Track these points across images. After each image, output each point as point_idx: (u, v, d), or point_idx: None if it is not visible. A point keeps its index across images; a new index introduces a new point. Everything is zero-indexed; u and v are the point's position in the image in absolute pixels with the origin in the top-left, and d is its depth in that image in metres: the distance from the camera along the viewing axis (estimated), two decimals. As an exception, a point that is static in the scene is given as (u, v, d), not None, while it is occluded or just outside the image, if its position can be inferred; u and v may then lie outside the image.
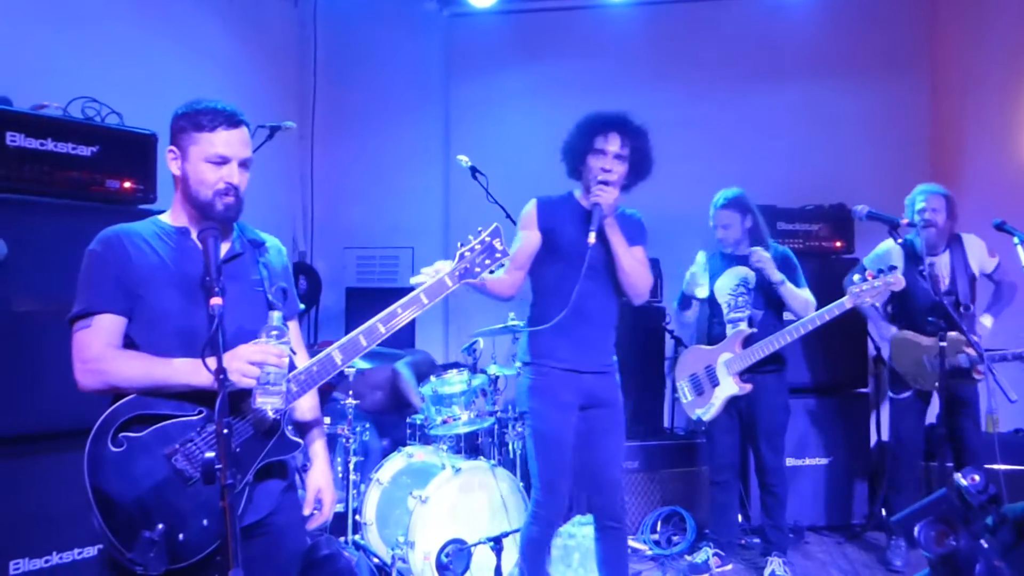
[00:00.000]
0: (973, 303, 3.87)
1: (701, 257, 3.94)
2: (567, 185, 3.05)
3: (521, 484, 3.62)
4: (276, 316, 1.81)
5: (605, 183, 2.78)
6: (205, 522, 1.77)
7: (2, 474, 2.53)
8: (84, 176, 2.85)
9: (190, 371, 1.76)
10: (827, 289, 3.87)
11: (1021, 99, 4.57)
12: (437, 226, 5.82)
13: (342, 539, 3.59)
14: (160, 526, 1.71)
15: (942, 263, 3.87)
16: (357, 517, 3.70)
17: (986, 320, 3.82)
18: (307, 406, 2.12)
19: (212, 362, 1.66)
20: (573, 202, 2.98)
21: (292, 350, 1.86)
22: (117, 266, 1.85)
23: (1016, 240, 3.32)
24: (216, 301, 1.71)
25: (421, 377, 4.10)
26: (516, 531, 3.25)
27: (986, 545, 1.73)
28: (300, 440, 1.97)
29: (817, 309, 3.64)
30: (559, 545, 3.69)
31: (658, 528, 4.28)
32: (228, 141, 1.89)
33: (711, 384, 3.82)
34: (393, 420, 4.52)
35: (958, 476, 1.80)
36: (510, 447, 4.01)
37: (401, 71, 5.86)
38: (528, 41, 5.73)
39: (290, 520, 2.01)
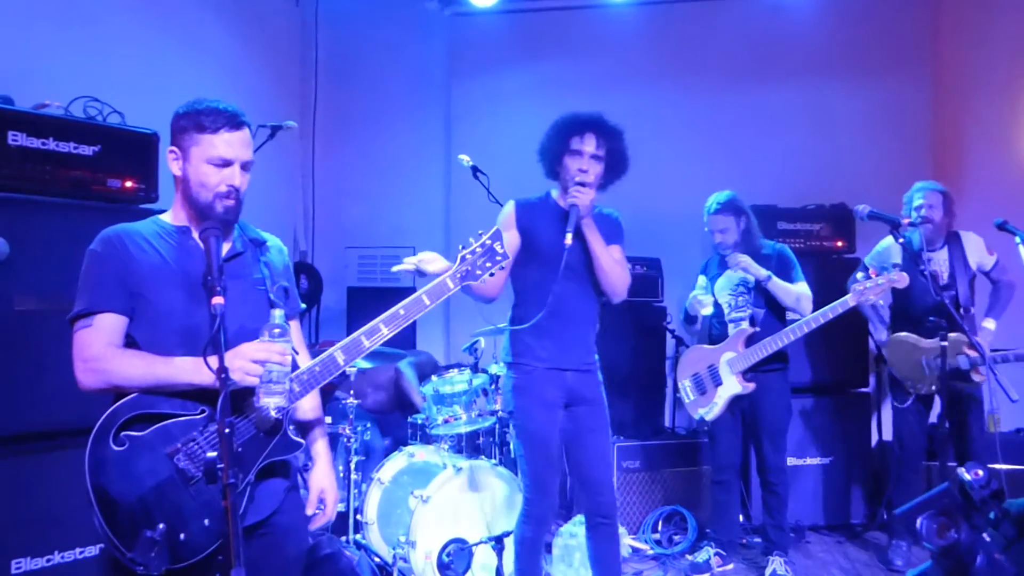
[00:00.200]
0: (973, 304, 3.87)
1: (702, 280, 3.96)
2: None
3: (521, 484, 3.62)
4: (278, 314, 1.81)
5: (582, 184, 2.80)
6: (207, 522, 1.76)
7: (3, 473, 2.53)
8: (86, 175, 2.84)
9: (192, 370, 1.75)
10: (828, 289, 3.88)
11: (1023, 99, 4.56)
12: (438, 225, 5.82)
13: (343, 538, 3.60)
14: (161, 526, 1.71)
15: (940, 258, 3.87)
16: (358, 516, 3.70)
17: (989, 324, 3.81)
18: (309, 406, 2.12)
19: (214, 361, 1.65)
20: (551, 203, 3.01)
21: (294, 349, 1.86)
22: (118, 265, 1.85)
23: (1018, 240, 3.32)
24: (218, 300, 1.70)
25: (423, 377, 4.10)
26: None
27: (988, 539, 1.73)
28: (302, 440, 1.97)
29: (818, 307, 3.64)
30: (559, 545, 3.69)
31: (659, 527, 4.29)
32: (230, 143, 1.88)
33: (714, 383, 3.83)
34: (395, 419, 4.53)
35: (961, 471, 1.81)
36: (511, 447, 4.01)
37: (402, 70, 5.86)
38: (529, 41, 5.73)
39: (292, 520, 2.01)
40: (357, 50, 5.84)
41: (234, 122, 1.89)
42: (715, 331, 3.94)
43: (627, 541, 4.06)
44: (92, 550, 2.68)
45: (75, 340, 1.83)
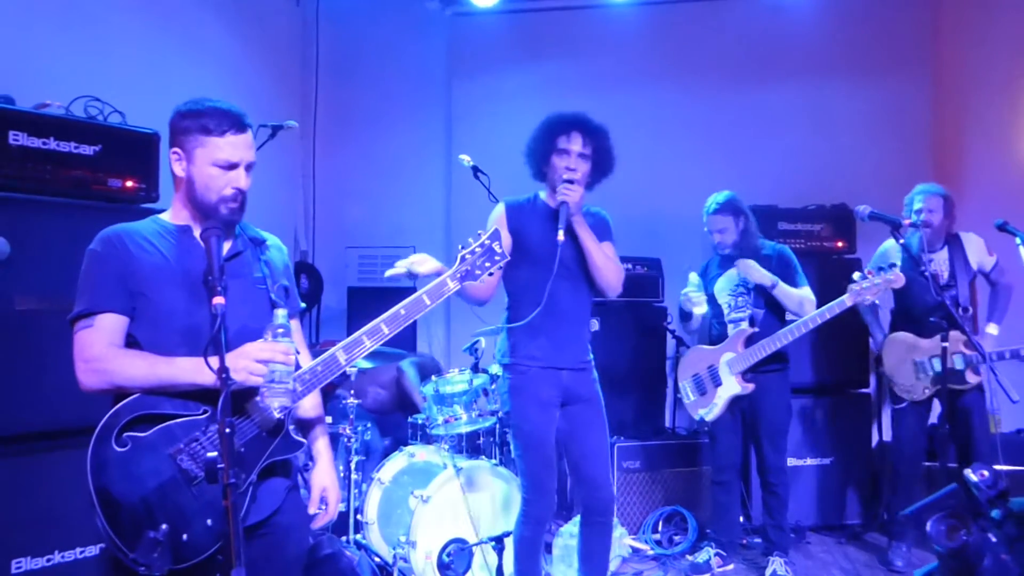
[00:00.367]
0: (973, 306, 3.87)
1: (694, 277, 3.94)
2: None
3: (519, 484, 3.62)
4: (281, 314, 1.82)
5: (570, 181, 2.83)
6: (209, 522, 1.76)
7: (3, 473, 2.53)
8: (86, 175, 2.84)
9: (194, 370, 1.74)
10: (829, 289, 3.87)
11: (1023, 99, 4.56)
12: (439, 225, 5.82)
13: (344, 538, 3.59)
14: (164, 526, 1.71)
15: (940, 259, 3.88)
16: (359, 516, 3.70)
17: (991, 329, 3.81)
18: (309, 404, 2.12)
19: (215, 361, 1.65)
20: (540, 203, 3.04)
21: (295, 349, 1.86)
22: (119, 265, 1.84)
23: (1018, 240, 3.32)
24: (219, 300, 1.70)
25: (425, 378, 4.10)
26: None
27: (994, 539, 1.74)
28: (304, 439, 1.97)
29: (818, 308, 3.64)
30: (560, 545, 3.69)
31: (660, 528, 4.29)
32: (236, 146, 1.88)
33: (714, 384, 3.83)
34: (395, 419, 4.53)
35: (968, 472, 1.81)
36: (511, 447, 4.00)
37: (403, 70, 5.87)
38: (530, 40, 5.73)
39: (293, 520, 2.01)
40: (358, 50, 5.85)
41: (239, 125, 1.89)
42: (715, 331, 3.94)
43: (627, 541, 4.06)
44: (92, 550, 2.68)
45: (76, 341, 1.82)
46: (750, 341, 3.74)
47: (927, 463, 4.11)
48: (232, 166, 1.88)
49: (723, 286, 3.90)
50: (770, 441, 3.80)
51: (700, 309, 3.85)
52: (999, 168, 4.71)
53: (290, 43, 5.68)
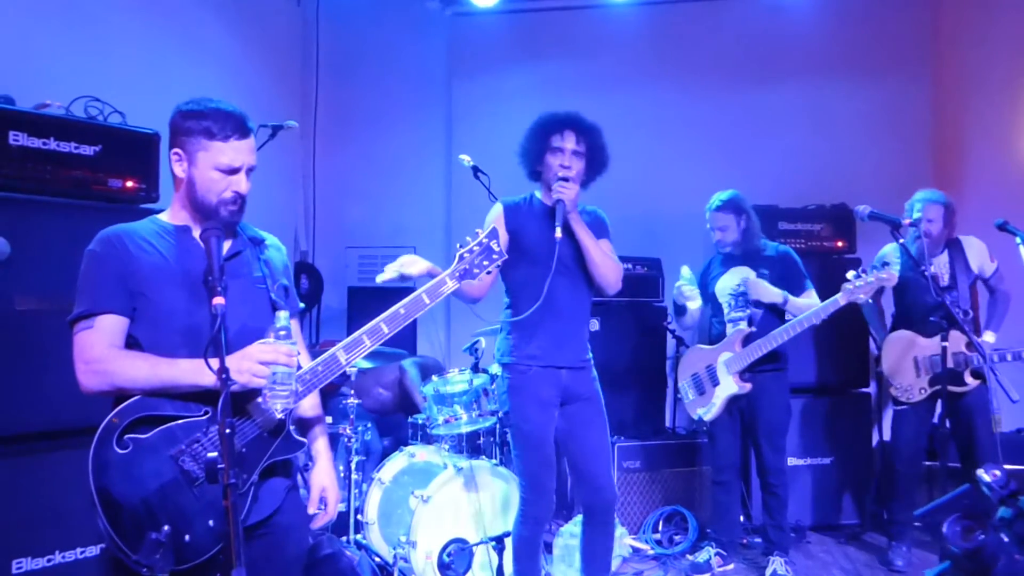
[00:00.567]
0: (975, 310, 3.87)
1: (686, 271, 3.92)
2: None
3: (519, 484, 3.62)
4: (283, 315, 1.81)
5: (565, 179, 2.84)
6: (211, 523, 1.76)
7: (3, 473, 2.53)
8: (86, 175, 2.84)
9: (195, 371, 1.74)
10: (829, 289, 3.86)
11: (1023, 99, 4.56)
12: (439, 225, 5.82)
13: (344, 538, 3.60)
14: (166, 527, 1.71)
15: (940, 262, 3.88)
16: (359, 516, 3.71)
17: (988, 337, 3.80)
18: (308, 404, 2.12)
19: (215, 362, 1.65)
20: (536, 202, 3.06)
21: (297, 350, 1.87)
22: (118, 265, 1.84)
23: (1018, 240, 3.32)
24: (219, 301, 1.70)
25: (426, 378, 4.11)
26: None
27: (1006, 539, 1.73)
28: (304, 439, 1.97)
29: (817, 308, 3.64)
30: (560, 545, 3.69)
31: (660, 527, 4.29)
32: (239, 150, 1.88)
33: (712, 384, 3.83)
34: (395, 419, 4.53)
35: (980, 472, 1.81)
36: (511, 446, 4.01)
37: (403, 70, 5.87)
38: (530, 40, 5.73)
39: (293, 520, 2.01)
40: (358, 50, 5.85)
41: (243, 129, 1.89)
42: (715, 331, 3.94)
43: (627, 541, 4.06)
44: (93, 550, 2.68)
45: (76, 342, 1.82)
46: (747, 341, 3.74)
47: (928, 463, 4.10)
48: (234, 171, 1.88)
49: (724, 286, 3.89)
50: (768, 441, 3.80)
51: (694, 303, 3.84)
52: (999, 168, 4.71)
53: (290, 43, 5.68)
